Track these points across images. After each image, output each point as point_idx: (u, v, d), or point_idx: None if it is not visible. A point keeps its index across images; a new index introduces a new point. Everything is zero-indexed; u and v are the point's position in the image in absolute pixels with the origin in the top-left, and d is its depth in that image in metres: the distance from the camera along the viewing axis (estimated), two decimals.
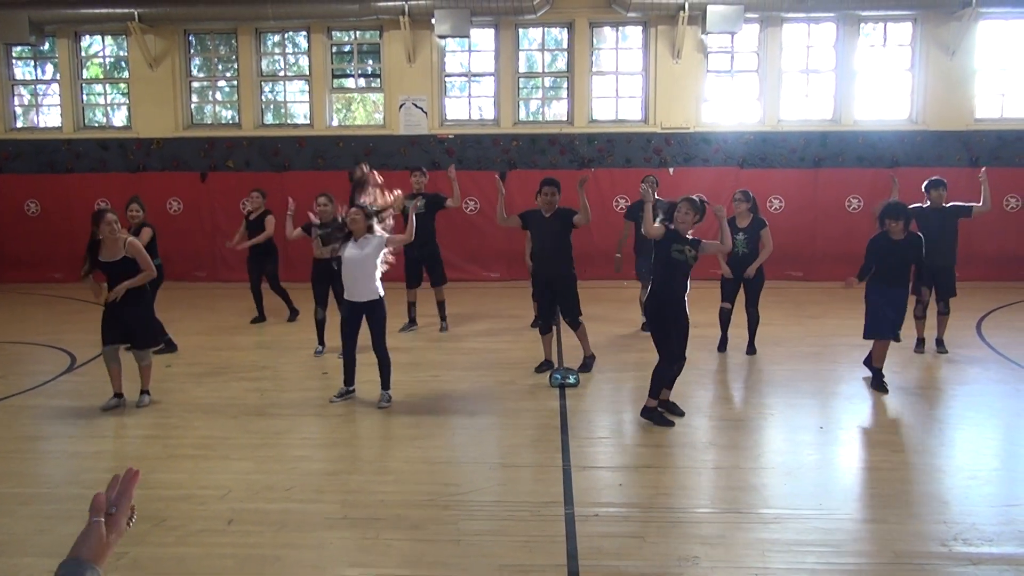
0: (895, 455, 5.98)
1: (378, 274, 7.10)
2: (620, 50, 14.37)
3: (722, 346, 8.91)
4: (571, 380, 7.67)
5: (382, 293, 7.12)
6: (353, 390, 7.41)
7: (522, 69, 14.54)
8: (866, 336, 7.61)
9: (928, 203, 8.97)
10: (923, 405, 7.25)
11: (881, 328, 7.50)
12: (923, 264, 7.64)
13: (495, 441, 6.38)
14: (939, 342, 8.93)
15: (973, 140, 13.66)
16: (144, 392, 7.31)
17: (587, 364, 8.15)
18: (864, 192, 13.54)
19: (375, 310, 7.10)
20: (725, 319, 8.89)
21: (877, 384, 7.52)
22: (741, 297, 8.80)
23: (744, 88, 14.17)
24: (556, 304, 8.11)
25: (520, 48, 14.43)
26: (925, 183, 9.21)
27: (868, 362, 7.69)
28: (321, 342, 9.08)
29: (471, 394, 7.58)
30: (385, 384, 7.24)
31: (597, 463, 5.87)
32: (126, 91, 14.89)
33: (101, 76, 15.21)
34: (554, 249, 7.92)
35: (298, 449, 6.18)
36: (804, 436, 6.51)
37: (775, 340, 9.34)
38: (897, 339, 7.56)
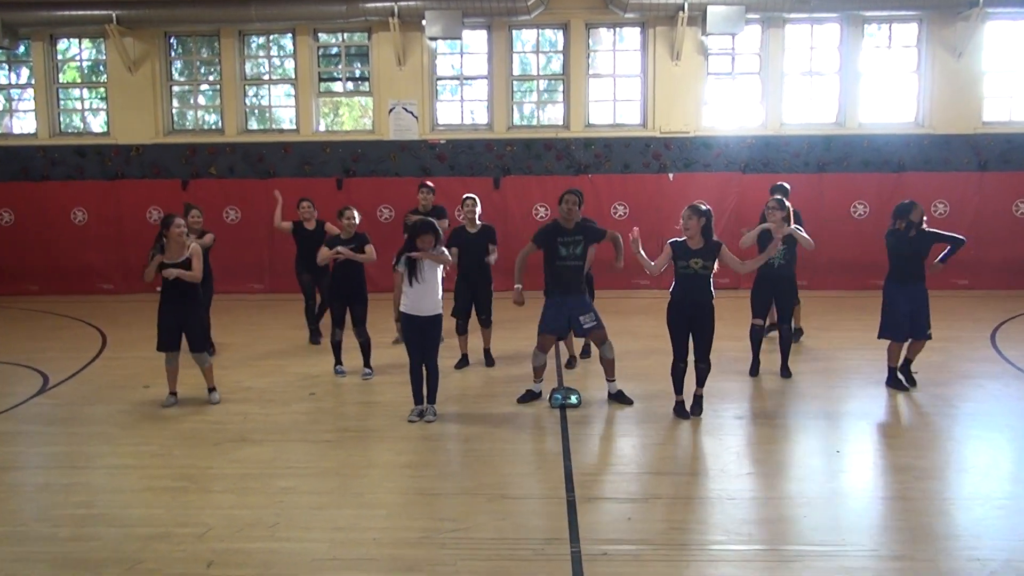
0: (917, 482, 5.61)
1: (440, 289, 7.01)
2: (617, 52, 14.03)
3: (754, 370, 8.21)
4: (572, 400, 7.30)
5: (441, 309, 7.06)
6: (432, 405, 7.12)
7: (516, 72, 14.15)
8: (880, 335, 7.71)
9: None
10: (943, 424, 6.88)
11: (894, 329, 7.59)
12: (952, 239, 7.60)
13: (493, 469, 5.98)
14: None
15: (981, 143, 13.34)
16: (212, 389, 7.61)
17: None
18: (870, 197, 13.21)
19: (436, 325, 7.01)
20: (756, 339, 8.19)
21: (892, 382, 7.66)
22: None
23: (746, 91, 13.84)
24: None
25: (514, 50, 14.06)
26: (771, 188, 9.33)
27: (905, 368, 7.74)
28: (339, 361, 8.57)
29: (465, 416, 7.18)
30: (433, 398, 7.08)
31: (603, 494, 5.48)
32: (104, 96, 14.44)
33: (78, 80, 14.74)
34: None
35: (283, 479, 5.78)
36: (819, 461, 6.16)
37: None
38: (926, 337, 7.59)
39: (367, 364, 8.45)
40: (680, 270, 6.77)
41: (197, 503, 5.39)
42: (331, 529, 4.97)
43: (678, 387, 7.01)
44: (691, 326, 6.82)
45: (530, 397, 7.47)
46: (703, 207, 6.81)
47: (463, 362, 8.73)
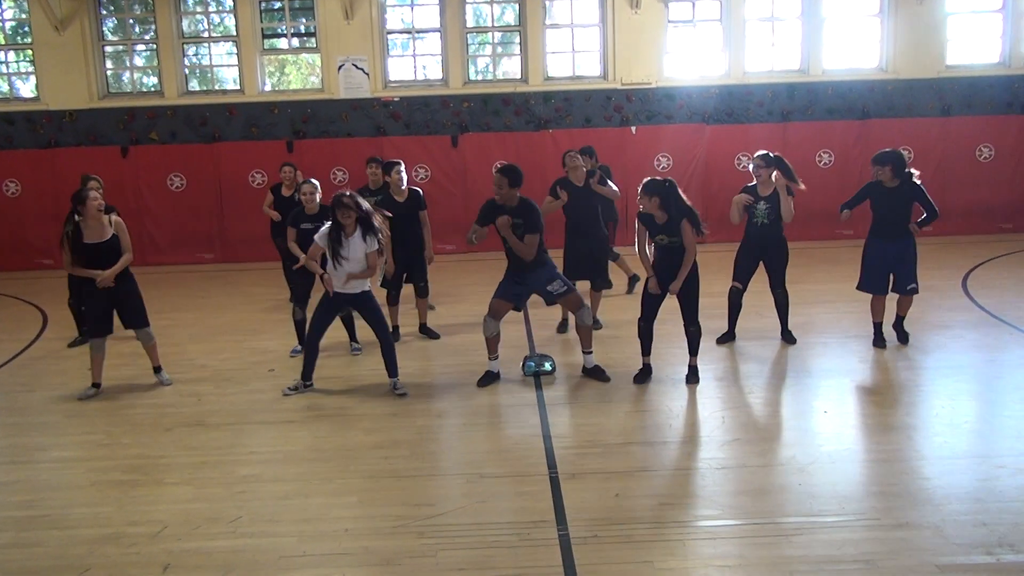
0: (910, 443, 5.43)
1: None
2: (575, 1, 13.47)
3: (724, 336, 7.71)
4: (546, 367, 6.98)
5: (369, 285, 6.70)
6: (311, 384, 6.78)
7: (470, 24, 13.57)
8: (858, 287, 7.49)
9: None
10: (928, 379, 6.73)
11: (873, 284, 7.35)
12: (931, 209, 7.32)
13: (467, 447, 5.65)
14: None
15: (945, 87, 13.19)
16: (158, 369, 7.08)
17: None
18: (835, 146, 13.04)
19: (367, 300, 6.62)
20: (734, 303, 7.69)
21: (877, 340, 7.43)
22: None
23: (707, 39, 13.44)
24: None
25: (467, 1, 13.42)
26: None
27: (898, 325, 7.54)
28: (301, 341, 8.01)
29: (436, 389, 6.82)
30: (394, 371, 6.71)
31: (587, 468, 5.17)
32: (31, 58, 13.51)
33: (2, 42, 13.76)
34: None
35: (244, 466, 5.38)
36: (807, 423, 5.93)
37: (756, 311, 8.72)
38: (910, 291, 7.30)
39: (355, 339, 7.92)
40: (656, 242, 6.45)
41: (149, 498, 4.97)
42: (299, 521, 4.60)
43: (645, 348, 6.69)
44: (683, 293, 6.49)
45: (489, 379, 6.79)
46: (655, 184, 6.31)
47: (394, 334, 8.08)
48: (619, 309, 8.82)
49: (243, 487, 5.05)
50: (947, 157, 13.02)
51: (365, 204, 6.44)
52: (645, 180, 6.40)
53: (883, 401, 6.24)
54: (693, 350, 6.65)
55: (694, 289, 6.48)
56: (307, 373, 6.74)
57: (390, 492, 4.94)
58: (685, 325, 6.57)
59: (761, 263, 7.64)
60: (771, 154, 7.42)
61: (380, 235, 6.50)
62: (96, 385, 6.86)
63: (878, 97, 13.17)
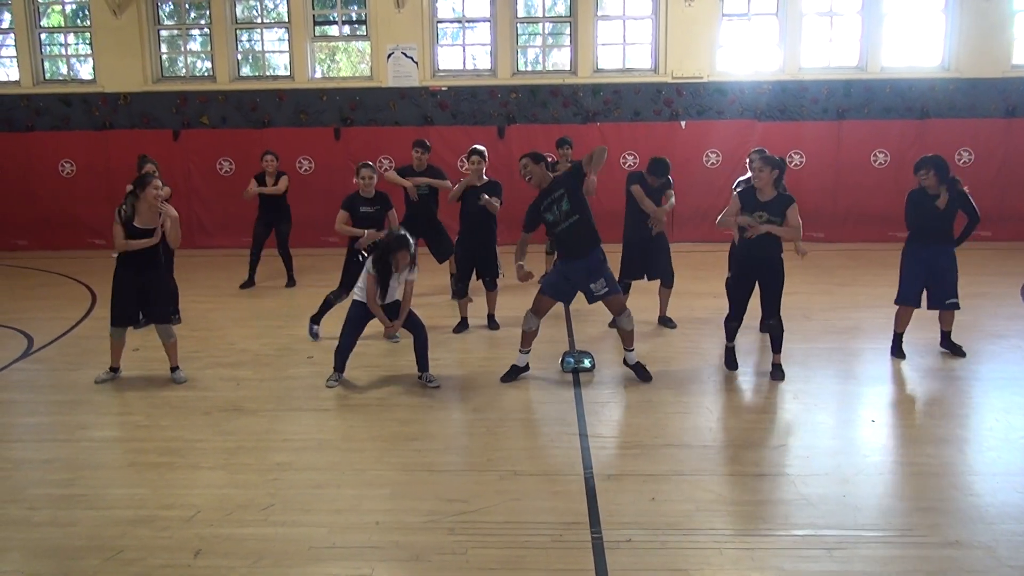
0: (961, 456, 5.24)
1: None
2: None
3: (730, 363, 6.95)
4: (585, 364, 6.87)
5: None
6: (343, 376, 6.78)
7: (520, 14, 13.44)
8: (896, 301, 7.13)
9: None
10: (981, 391, 6.47)
11: (907, 295, 7.04)
12: (973, 214, 6.91)
13: (503, 443, 5.56)
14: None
15: (1010, 88, 12.69)
16: (175, 368, 6.84)
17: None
18: (891, 146, 12.64)
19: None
20: (731, 332, 6.89)
21: (896, 350, 7.12)
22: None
23: (762, 33, 13.12)
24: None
25: None
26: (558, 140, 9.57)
27: (945, 342, 7.21)
28: (317, 322, 8.07)
29: (474, 384, 6.75)
30: (425, 365, 6.71)
31: (624, 469, 5.07)
32: (89, 41, 13.72)
33: (62, 24, 14.02)
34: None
35: (279, 453, 5.37)
36: (854, 432, 5.75)
37: (804, 313, 8.53)
38: (949, 306, 6.98)
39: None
40: (749, 222, 6.41)
41: (184, 481, 4.99)
42: (330, 512, 4.57)
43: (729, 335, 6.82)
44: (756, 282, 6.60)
45: (514, 373, 6.65)
46: (774, 158, 6.49)
47: (462, 325, 8.25)
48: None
49: (276, 474, 5.05)
50: (1009, 160, 12.56)
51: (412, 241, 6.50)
52: (759, 151, 6.85)
53: (933, 412, 6.02)
54: (776, 347, 6.63)
55: (778, 281, 6.46)
56: (340, 365, 6.73)
57: (423, 486, 4.89)
58: (764, 319, 6.58)
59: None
60: (766, 151, 7.11)
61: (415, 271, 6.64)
62: (114, 369, 6.85)
63: (939, 96, 12.73)
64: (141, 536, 4.34)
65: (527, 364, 6.75)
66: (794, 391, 6.43)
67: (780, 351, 6.65)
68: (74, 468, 5.22)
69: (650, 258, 7.97)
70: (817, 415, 5.99)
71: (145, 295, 6.64)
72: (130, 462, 5.33)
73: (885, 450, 5.41)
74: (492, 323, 8.29)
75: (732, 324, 6.73)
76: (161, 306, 6.79)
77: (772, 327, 6.57)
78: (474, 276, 8.20)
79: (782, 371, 6.61)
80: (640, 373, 6.63)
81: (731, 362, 6.82)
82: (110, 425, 6.03)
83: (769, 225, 6.32)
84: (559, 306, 7.35)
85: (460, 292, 8.21)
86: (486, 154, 8.16)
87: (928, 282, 6.95)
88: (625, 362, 6.76)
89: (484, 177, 8.07)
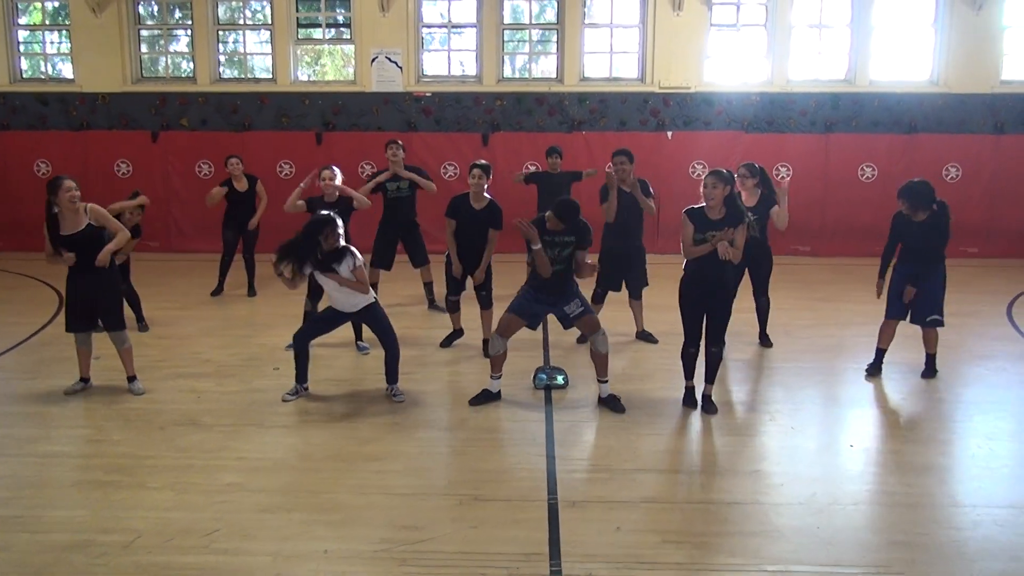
0: (943, 487, 5.04)
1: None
2: (615, 0, 13.06)
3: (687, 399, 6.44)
4: (559, 381, 6.65)
5: (375, 296, 6.51)
6: (307, 388, 6.52)
7: (507, 20, 13.24)
8: (886, 317, 6.98)
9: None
10: (965, 415, 6.27)
11: (893, 308, 6.88)
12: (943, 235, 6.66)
13: (468, 464, 5.34)
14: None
15: (999, 104, 12.54)
16: (132, 379, 6.60)
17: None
18: (879, 160, 12.48)
19: (372, 311, 6.43)
20: (690, 369, 6.40)
21: (872, 368, 7.00)
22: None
23: (750, 44, 12.94)
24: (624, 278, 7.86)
25: None
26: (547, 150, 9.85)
27: (929, 364, 6.99)
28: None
29: (444, 401, 6.54)
30: (394, 378, 6.49)
31: (590, 495, 4.86)
32: (68, 39, 13.46)
33: (42, 22, 13.75)
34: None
35: (231, 473, 5.14)
36: (833, 458, 5.52)
37: (785, 329, 8.33)
38: (931, 323, 6.77)
39: (360, 337, 7.71)
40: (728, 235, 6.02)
41: (128, 502, 4.75)
42: (277, 539, 4.34)
43: (688, 372, 6.30)
44: (706, 306, 6.13)
45: (485, 398, 6.33)
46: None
47: (456, 336, 7.92)
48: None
49: (225, 496, 4.81)
50: (998, 176, 12.40)
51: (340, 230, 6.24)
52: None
53: (915, 437, 5.81)
54: (710, 376, 6.20)
55: (727, 308, 6.13)
56: (301, 376, 6.48)
57: (377, 511, 4.66)
58: (707, 345, 6.14)
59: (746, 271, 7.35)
60: (755, 166, 7.25)
61: (356, 258, 6.22)
62: (84, 380, 6.61)
63: (927, 111, 12.58)
64: (74, 563, 4.11)
65: (499, 391, 6.42)
66: (771, 413, 6.22)
67: (713, 381, 6.21)
68: (15, 486, 4.98)
69: (627, 267, 7.79)
70: (795, 439, 5.78)
71: (92, 301, 6.40)
72: (74, 481, 5.08)
73: (863, 478, 5.21)
74: (487, 350, 7.41)
75: (691, 351, 6.19)
76: (110, 312, 6.51)
77: (714, 355, 6.12)
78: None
79: (714, 404, 6.16)
80: (613, 405, 6.21)
81: (690, 400, 6.28)
82: (60, 439, 5.77)
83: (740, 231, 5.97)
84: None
85: (452, 306, 7.80)
86: (490, 169, 7.50)
87: (913, 298, 6.77)
88: (599, 395, 6.33)
89: (486, 196, 7.42)
